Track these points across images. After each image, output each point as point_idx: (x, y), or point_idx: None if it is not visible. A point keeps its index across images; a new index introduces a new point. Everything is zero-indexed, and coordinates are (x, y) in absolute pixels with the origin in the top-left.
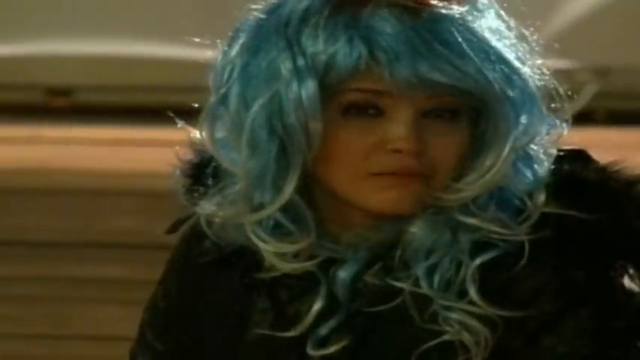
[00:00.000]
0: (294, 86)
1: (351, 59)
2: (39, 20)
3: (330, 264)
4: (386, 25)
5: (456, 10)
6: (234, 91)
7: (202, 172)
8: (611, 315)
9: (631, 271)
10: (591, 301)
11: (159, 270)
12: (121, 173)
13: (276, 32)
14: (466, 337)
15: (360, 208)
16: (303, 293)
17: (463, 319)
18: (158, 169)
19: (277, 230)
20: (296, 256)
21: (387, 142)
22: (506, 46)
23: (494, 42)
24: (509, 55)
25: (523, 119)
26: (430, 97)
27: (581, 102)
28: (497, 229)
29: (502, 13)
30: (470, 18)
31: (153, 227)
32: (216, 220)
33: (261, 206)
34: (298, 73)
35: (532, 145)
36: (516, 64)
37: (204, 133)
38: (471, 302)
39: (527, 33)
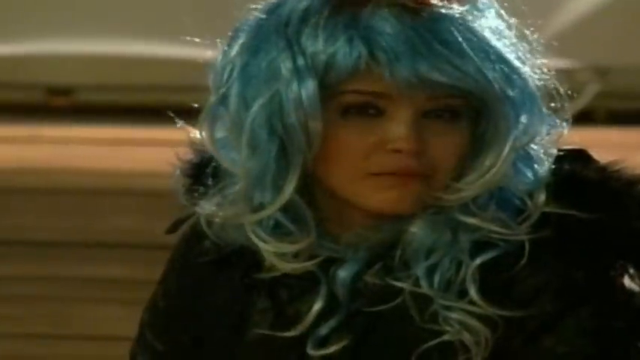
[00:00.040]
0: (294, 86)
1: (350, 59)
2: (39, 20)
3: (330, 264)
4: (386, 25)
5: (456, 9)
6: (234, 90)
7: (202, 172)
8: (611, 315)
9: (631, 270)
10: (591, 300)
11: (159, 270)
12: (121, 173)
13: (276, 32)
14: (466, 337)
15: (360, 208)
16: (304, 293)
17: (463, 319)
18: (158, 169)
19: (277, 230)
20: (296, 256)
21: (387, 142)
22: (506, 45)
23: (494, 41)
24: (509, 55)
25: (523, 119)
26: (430, 97)
27: (582, 102)
28: (498, 228)
29: (502, 12)
30: (470, 17)
31: (153, 227)
32: (216, 220)
33: (261, 206)
34: (298, 73)
35: (532, 145)
36: (516, 63)
37: (204, 133)
38: (471, 302)
39: (527, 32)
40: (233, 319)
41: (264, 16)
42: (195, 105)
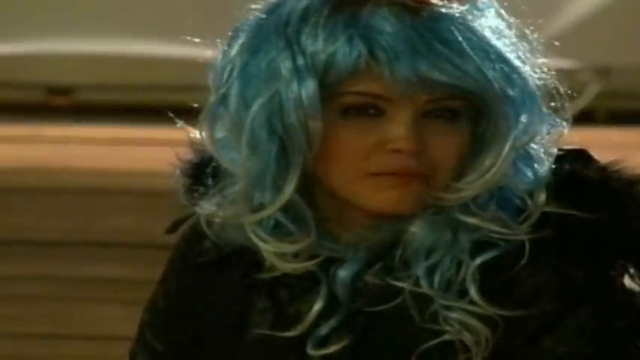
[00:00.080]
0: (294, 86)
1: (350, 58)
2: (39, 19)
3: (330, 264)
4: (385, 24)
5: (456, 9)
6: (234, 90)
7: (202, 172)
8: (611, 315)
9: (631, 270)
10: (592, 300)
11: (159, 269)
12: (121, 172)
13: (276, 32)
14: (466, 337)
15: (360, 208)
16: (304, 293)
17: (463, 319)
18: (158, 168)
19: (277, 230)
20: (296, 256)
21: (386, 142)
22: (506, 45)
23: (494, 41)
24: (509, 54)
25: (523, 118)
26: (430, 99)
27: (583, 102)
28: (498, 228)
29: (502, 12)
30: (470, 17)
31: (153, 226)
32: (216, 220)
33: (261, 206)
34: (298, 73)
35: (532, 145)
36: (516, 63)
37: (204, 133)
38: (472, 302)
39: (527, 32)
40: (233, 319)
41: (263, 15)
42: (195, 105)
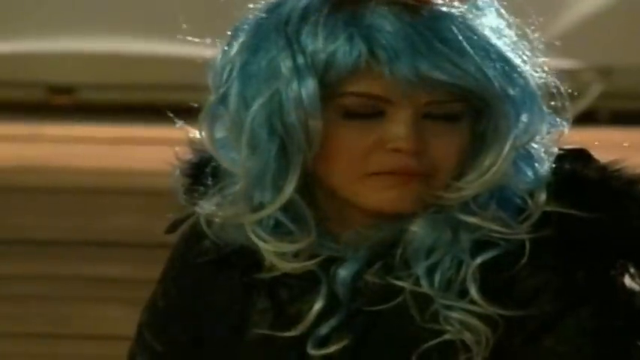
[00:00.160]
0: (294, 85)
1: (350, 57)
2: (40, 18)
3: (330, 263)
4: (385, 23)
5: (457, 8)
6: (234, 90)
7: (202, 172)
8: (611, 314)
9: (632, 270)
10: (592, 300)
11: (159, 269)
12: (121, 171)
13: (276, 31)
14: (467, 337)
15: (360, 208)
16: (304, 293)
17: (464, 319)
18: (159, 168)
19: (277, 230)
20: (296, 255)
21: (386, 141)
22: (506, 44)
23: (495, 40)
24: (510, 54)
25: (524, 118)
26: (430, 101)
27: (585, 102)
28: (498, 228)
29: (503, 11)
30: (470, 16)
31: (153, 226)
32: (216, 219)
33: (261, 206)
34: (298, 72)
35: (533, 144)
36: (517, 62)
37: (203, 133)
38: (472, 301)
39: (528, 31)
40: (233, 319)
41: (263, 14)
42: (195, 104)
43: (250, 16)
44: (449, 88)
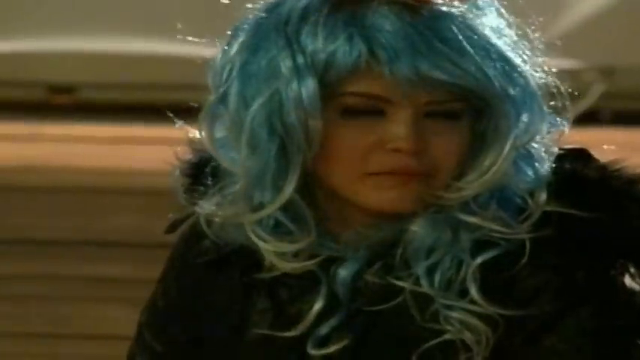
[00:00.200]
0: (294, 85)
1: (350, 57)
2: (40, 17)
3: (330, 263)
4: (385, 23)
5: (457, 7)
6: (234, 89)
7: (201, 172)
8: (611, 314)
9: (632, 269)
10: (592, 300)
11: (159, 268)
12: (121, 171)
13: (276, 30)
14: (467, 336)
15: (360, 207)
16: (304, 293)
17: (464, 318)
18: (159, 167)
19: (277, 229)
20: (296, 255)
21: (386, 141)
22: (506, 44)
23: (495, 40)
24: (510, 53)
25: (524, 117)
26: (430, 101)
27: (587, 102)
28: (498, 227)
29: (503, 11)
30: (470, 16)
31: (153, 225)
32: (216, 219)
33: (261, 206)
34: (298, 72)
35: (533, 144)
36: (517, 61)
37: (203, 133)
38: (472, 301)
39: (528, 31)
40: (233, 319)
41: (263, 14)
42: (195, 104)
43: (250, 16)
44: (449, 88)
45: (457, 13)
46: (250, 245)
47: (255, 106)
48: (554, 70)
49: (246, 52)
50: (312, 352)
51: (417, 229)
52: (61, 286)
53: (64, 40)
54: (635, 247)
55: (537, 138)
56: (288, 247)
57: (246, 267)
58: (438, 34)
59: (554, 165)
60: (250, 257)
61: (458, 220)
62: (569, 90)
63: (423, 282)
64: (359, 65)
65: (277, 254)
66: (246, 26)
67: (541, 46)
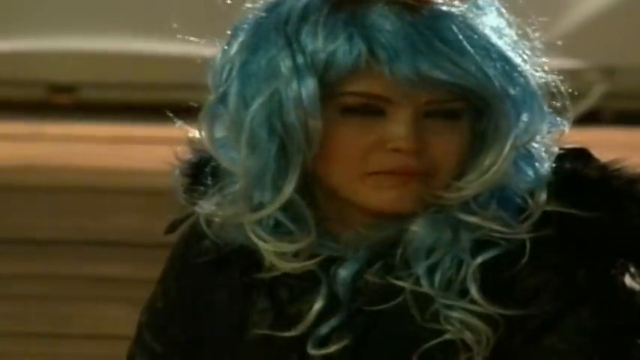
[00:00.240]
0: (294, 84)
1: (350, 57)
2: (41, 17)
3: (330, 263)
4: (385, 22)
5: (457, 7)
6: (234, 89)
7: (201, 172)
8: (612, 314)
9: (632, 269)
10: (592, 299)
11: (159, 268)
12: (122, 171)
13: (276, 30)
14: (467, 336)
15: (360, 207)
16: (304, 293)
17: (464, 318)
18: (159, 167)
19: (277, 229)
20: (296, 255)
21: (386, 141)
22: (507, 43)
23: (495, 39)
24: (510, 53)
25: (524, 117)
26: (430, 100)
27: (589, 102)
28: (499, 227)
29: (503, 11)
30: (470, 15)
31: (154, 225)
32: (216, 219)
33: (260, 205)
34: (298, 71)
35: (533, 144)
36: (517, 61)
37: (203, 133)
38: (472, 301)
39: (529, 31)
40: (233, 319)
41: (263, 14)
42: (195, 104)
43: (250, 16)
44: (449, 88)
45: (457, 13)
46: (250, 245)
47: (255, 105)
48: (555, 70)
49: (245, 52)
50: (312, 352)
51: (417, 229)
52: (61, 286)
53: (64, 40)
54: (635, 246)
55: (537, 138)
56: (288, 247)
57: (246, 267)
58: (438, 34)
59: (554, 165)
60: (250, 257)
61: (458, 220)
62: (570, 90)
63: (423, 282)
64: (359, 65)
65: (277, 254)
66: (245, 26)
67: (541, 46)
